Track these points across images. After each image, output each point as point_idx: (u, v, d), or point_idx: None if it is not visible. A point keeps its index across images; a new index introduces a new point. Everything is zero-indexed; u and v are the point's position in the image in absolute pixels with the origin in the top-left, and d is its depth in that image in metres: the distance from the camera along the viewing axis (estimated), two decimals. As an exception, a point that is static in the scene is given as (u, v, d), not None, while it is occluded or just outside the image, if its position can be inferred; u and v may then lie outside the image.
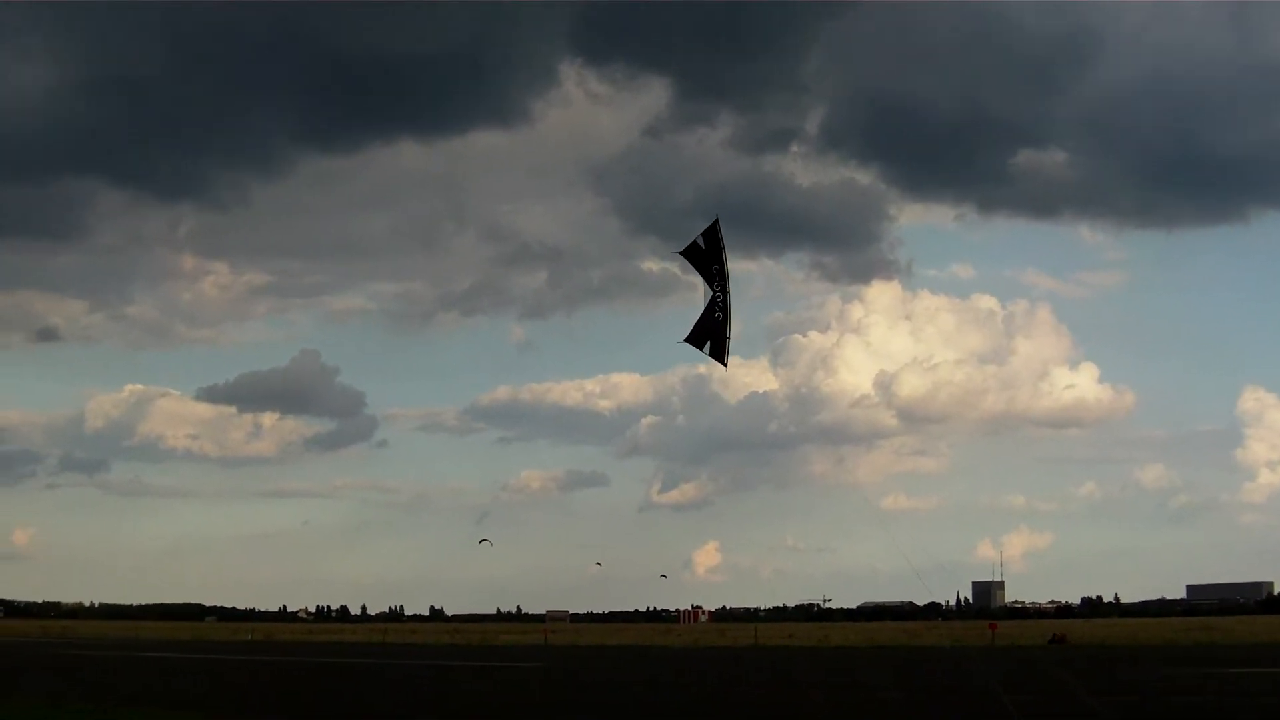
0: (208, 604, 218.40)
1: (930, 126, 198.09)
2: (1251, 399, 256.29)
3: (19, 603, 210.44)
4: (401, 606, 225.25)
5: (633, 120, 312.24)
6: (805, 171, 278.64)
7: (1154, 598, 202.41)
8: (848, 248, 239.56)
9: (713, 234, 27.36)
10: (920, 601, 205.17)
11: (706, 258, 27.21)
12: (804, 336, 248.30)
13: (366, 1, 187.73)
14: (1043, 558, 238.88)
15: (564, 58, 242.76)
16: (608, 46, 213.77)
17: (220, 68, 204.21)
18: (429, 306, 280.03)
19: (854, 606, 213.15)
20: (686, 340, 27.63)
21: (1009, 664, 44.93)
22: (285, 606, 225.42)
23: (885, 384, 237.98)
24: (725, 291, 27.28)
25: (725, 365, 28.09)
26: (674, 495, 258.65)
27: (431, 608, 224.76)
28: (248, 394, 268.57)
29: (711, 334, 27.41)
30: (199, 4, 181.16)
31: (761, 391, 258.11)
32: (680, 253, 27.52)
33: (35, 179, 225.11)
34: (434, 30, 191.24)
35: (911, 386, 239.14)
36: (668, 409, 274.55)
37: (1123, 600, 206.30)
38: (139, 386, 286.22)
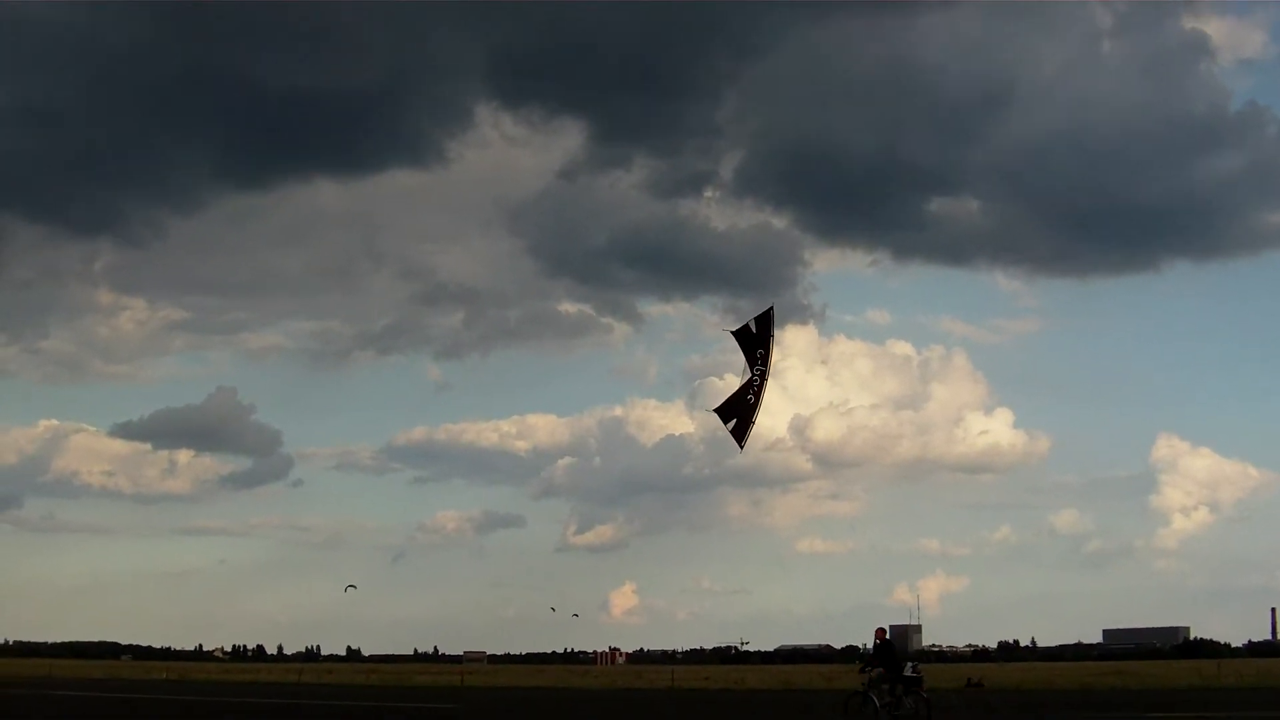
0: (123, 642, 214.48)
1: (845, 173, 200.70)
2: (1165, 446, 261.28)
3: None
4: (318, 646, 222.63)
5: (549, 162, 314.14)
6: (720, 216, 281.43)
7: (1070, 642, 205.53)
8: (763, 292, 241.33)
9: (765, 320, 28.51)
10: (838, 645, 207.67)
11: (754, 341, 28.39)
12: (720, 380, 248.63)
13: (283, 39, 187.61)
14: (959, 601, 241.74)
15: (480, 99, 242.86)
16: (524, 89, 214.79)
17: (137, 102, 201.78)
18: (345, 345, 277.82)
19: (771, 649, 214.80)
20: (716, 410, 28.96)
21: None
22: (201, 645, 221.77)
23: (800, 428, 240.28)
24: (763, 378, 28.34)
25: (741, 448, 29.20)
26: (590, 537, 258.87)
27: (348, 647, 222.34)
28: (163, 431, 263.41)
29: (739, 413, 28.66)
30: (115, 37, 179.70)
31: (677, 434, 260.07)
32: (732, 331, 28.72)
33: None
34: (351, 69, 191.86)
35: (827, 430, 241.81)
36: (584, 450, 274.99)
37: (1039, 644, 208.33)
38: (54, 422, 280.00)
